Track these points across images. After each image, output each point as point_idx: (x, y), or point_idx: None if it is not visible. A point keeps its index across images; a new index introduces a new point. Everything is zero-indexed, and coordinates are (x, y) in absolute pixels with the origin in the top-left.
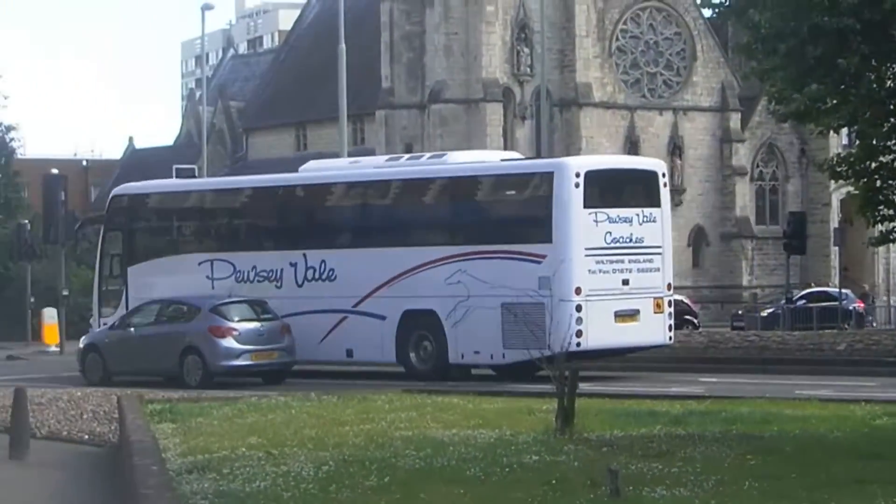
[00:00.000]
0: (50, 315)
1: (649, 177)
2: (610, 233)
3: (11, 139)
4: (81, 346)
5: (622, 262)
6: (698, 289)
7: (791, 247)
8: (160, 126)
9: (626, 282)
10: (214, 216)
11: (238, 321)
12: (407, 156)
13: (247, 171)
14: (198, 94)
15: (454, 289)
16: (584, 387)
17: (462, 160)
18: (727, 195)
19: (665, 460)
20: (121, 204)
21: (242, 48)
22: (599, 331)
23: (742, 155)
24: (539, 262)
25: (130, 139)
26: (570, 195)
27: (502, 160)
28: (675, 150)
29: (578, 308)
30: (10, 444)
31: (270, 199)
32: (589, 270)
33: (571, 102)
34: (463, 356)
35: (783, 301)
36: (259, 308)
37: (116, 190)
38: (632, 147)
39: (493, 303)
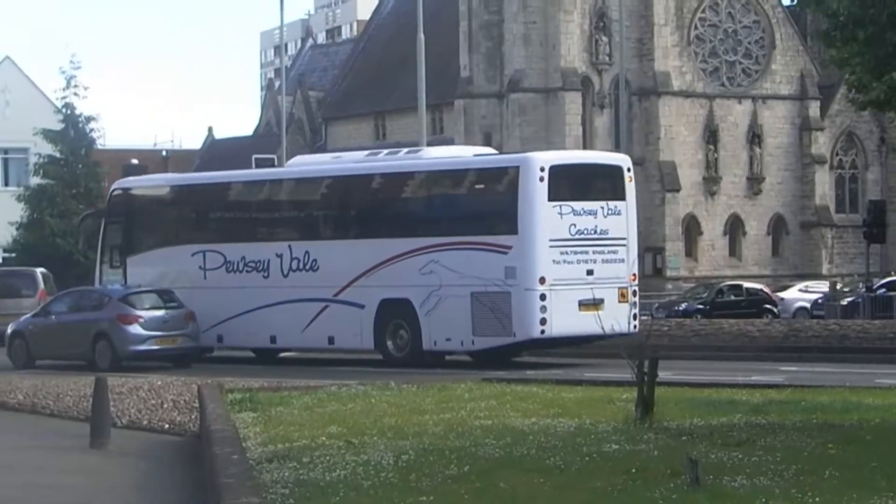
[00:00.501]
0: None
1: (614, 171)
2: (574, 225)
3: (91, 129)
4: (9, 332)
5: (586, 252)
6: (778, 277)
7: (871, 235)
8: (240, 116)
9: (590, 272)
10: (206, 209)
11: (144, 309)
12: (385, 151)
13: None
14: (277, 84)
15: (427, 278)
16: (663, 375)
17: (435, 155)
18: (807, 184)
19: (745, 449)
20: (120, 197)
21: (321, 38)
22: (563, 319)
23: (821, 143)
24: (506, 253)
25: (210, 129)
26: (535, 189)
27: (475, 155)
28: (754, 138)
29: (543, 297)
30: (91, 433)
31: (257, 193)
32: (553, 261)
33: (650, 91)
34: (436, 343)
35: (863, 289)
36: (165, 297)
37: (116, 184)
38: (710, 136)
39: (463, 292)
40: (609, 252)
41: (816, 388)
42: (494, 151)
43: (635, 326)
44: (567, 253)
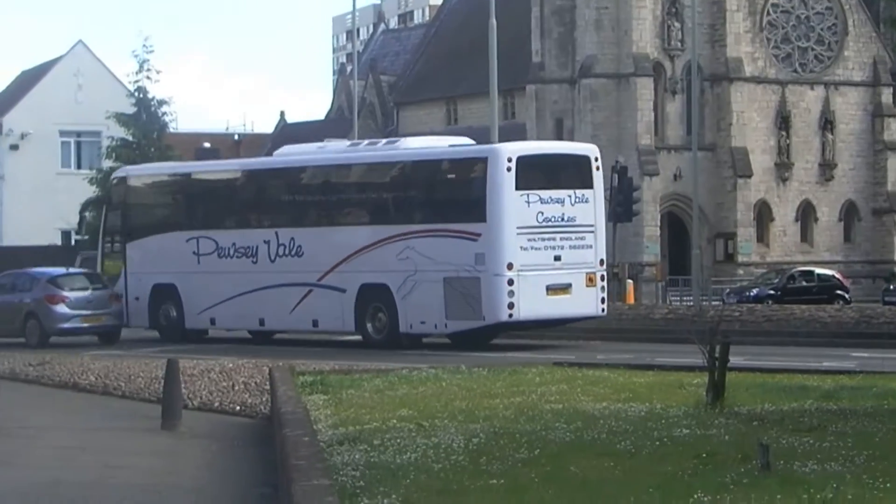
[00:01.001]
0: None
1: (581, 161)
2: (542, 213)
3: (164, 113)
4: None
5: (554, 239)
6: (849, 264)
7: None
8: (312, 101)
9: (557, 258)
10: (199, 197)
11: (70, 290)
12: (366, 141)
13: None
14: (349, 68)
15: (404, 264)
16: (734, 361)
17: (412, 146)
18: (878, 170)
19: (816, 435)
20: (120, 185)
21: (393, 23)
22: (531, 303)
23: (893, 130)
24: (475, 240)
25: (282, 114)
26: (503, 178)
27: (450, 146)
28: (826, 124)
29: (510, 282)
30: (162, 414)
31: (247, 181)
32: (521, 247)
33: (722, 77)
34: (412, 326)
35: None
36: (91, 279)
37: (116, 172)
38: (783, 122)
39: (436, 277)
40: (577, 238)
41: (888, 374)
42: (470, 142)
43: (603, 310)
44: (535, 240)
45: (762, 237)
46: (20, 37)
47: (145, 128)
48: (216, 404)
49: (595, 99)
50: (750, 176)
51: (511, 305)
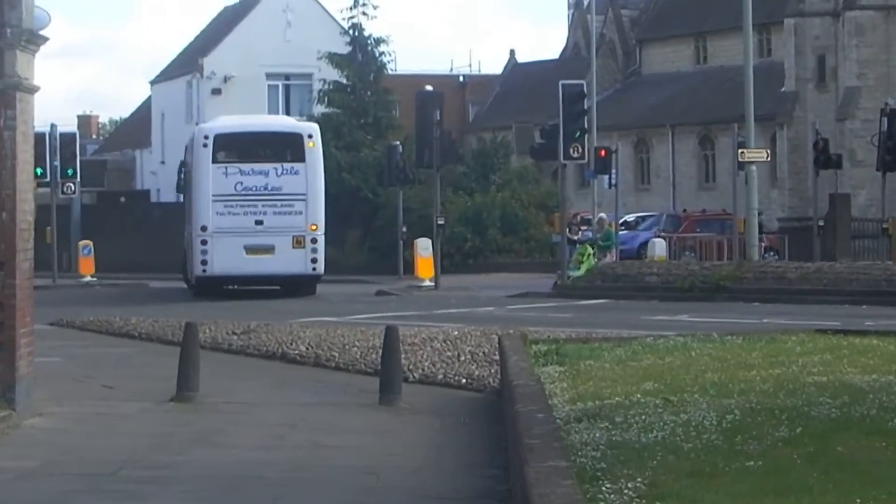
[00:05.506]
0: (424, 246)
1: (290, 138)
2: (241, 182)
3: (381, 53)
4: None
5: (255, 206)
6: None
7: None
8: (545, 38)
9: (259, 222)
10: None
11: None
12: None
13: (641, 86)
14: (585, 1)
15: (188, 228)
16: None
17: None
18: None
19: None
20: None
21: None
22: (227, 261)
23: None
24: (191, 207)
25: (511, 52)
26: (200, 153)
27: (196, 124)
28: None
29: (204, 242)
30: (380, 388)
31: None
32: (217, 212)
33: None
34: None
35: None
36: None
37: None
38: None
39: (188, 238)
40: (283, 205)
41: None
42: (290, 121)
43: (314, 269)
44: (233, 206)
45: None
46: None
47: (361, 69)
48: (440, 377)
49: (861, 34)
50: None
51: (205, 262)
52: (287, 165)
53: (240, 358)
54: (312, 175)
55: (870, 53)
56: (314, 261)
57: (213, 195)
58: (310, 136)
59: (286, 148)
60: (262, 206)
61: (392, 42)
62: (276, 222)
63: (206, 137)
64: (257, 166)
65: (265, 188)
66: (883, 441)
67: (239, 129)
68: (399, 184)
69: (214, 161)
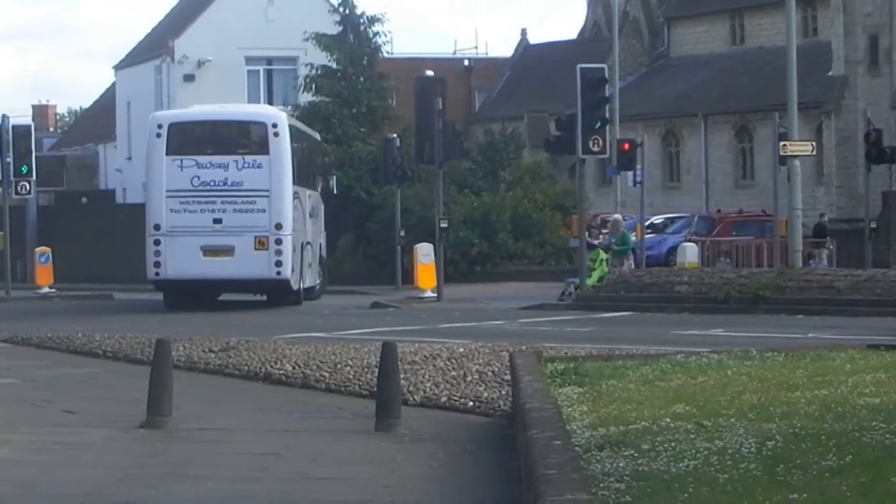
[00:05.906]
0: (425, 252)
1: (252, 127)
2: (198, 177)
3: (376, 34)
4: None
5: (213, 203)
6: None
7: None
8: (560, 16)
9: (217, 220)
10: None
11: None
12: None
13: (670, 70)
14: None
15: None
16: None
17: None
18: None
19: None
20: None
21: None
22: (181, 263)
23: None
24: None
25: (523, 32)
26: (154, 144)
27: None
28: None
29: (157, 242)
30: (376, 412)
31: None
32: (171, 209)
33: None
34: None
35: None
36: None
37: None
38: None
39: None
40: (244, 202)
41: None
42: (253, 110)
43: (278, 273)
44: (188, 203)
45: None
46: None
47: (353, 52)
48: (444, 399)
49: None
50: None
51: (157, 265)
52: (249, 158)
53: (218, 378)
54: (278, 169)
55: None
56: (279, 264)
57: (168, 191)
58: (274, 126)
59: (248, 138)
60: (222, 202)
61: (388, 21)
62: (236, 221)
63: (159, 127)
64: (216, 159)
65: (224, 183)
66: None
67: (195, 118)
68: (397, 182)
69: (169, 153)
